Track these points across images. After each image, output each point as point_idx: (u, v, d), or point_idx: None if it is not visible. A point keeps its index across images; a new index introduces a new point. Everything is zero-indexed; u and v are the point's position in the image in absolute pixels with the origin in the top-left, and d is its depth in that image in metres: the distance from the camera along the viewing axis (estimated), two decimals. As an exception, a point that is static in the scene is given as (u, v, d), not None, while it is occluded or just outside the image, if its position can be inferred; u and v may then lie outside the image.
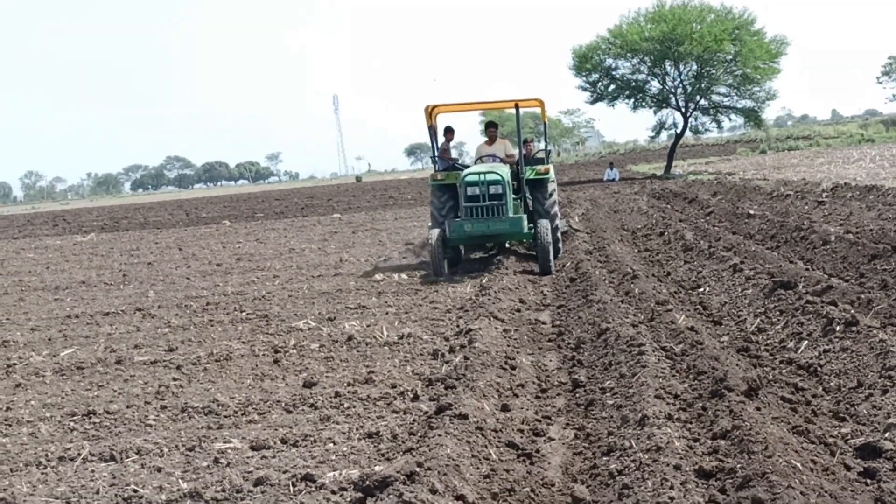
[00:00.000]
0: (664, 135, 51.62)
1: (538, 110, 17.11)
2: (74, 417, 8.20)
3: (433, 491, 5.21)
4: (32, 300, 16.91)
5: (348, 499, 5.57)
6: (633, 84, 46.70)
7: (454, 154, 18.04)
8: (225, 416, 7.86)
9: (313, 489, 5.82)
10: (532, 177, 16.31)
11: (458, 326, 10.46)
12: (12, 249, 30.79)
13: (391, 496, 5.14)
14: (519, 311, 11.47)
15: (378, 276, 15.76)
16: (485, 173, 15.27)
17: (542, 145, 18.21)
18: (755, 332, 9.03)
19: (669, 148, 50.48)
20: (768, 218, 16.90)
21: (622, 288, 11.65)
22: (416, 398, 7.76)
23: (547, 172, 16.31)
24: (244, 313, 13.23)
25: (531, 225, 15.70)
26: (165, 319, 13.30)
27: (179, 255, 23.54)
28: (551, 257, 14.93)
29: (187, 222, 38.27)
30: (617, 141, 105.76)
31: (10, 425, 8.15)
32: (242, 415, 7.89)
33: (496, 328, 10.00)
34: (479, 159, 16.86)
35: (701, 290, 11.62)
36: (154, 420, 7.94)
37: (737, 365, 7.35)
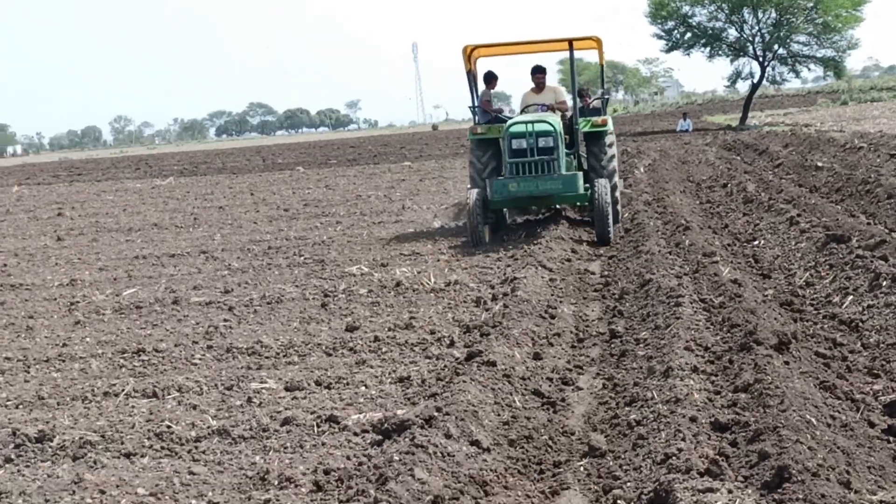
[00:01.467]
0: (744, 85, 50.52)
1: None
2: (125, 355, 8.45)
3: (448, 435, 5.28)
4: (105, 241, 17.38)
5: (368, 440, 5.69)
6: (710, 32, 45.50)
7: (504, 106, 16.22)
8: (266, 357, 8.03)
9: (336, 430, 5.95)
10: (587, 129, 14.13)
11: (504, 275, 10.46)
12: (94, 191, 31.55)
13: (405, 439, 5.23)
14: (569, 260, 11.44)
15: (436, 224, 15.84)
16: (533, 122, 13.20)
17: (599, 93, 15.86)
18: (802, 286, 8.88)
19: (745, 98, 49.37)
20: (836, 170, 16.48)
21: (673, 239, 11.53)
22: (451, 344, 7.83)
23: (605, 124, 14.10)
24: (302, 258, 13.44)
25: (587, 185, 13.65)
26: (227, 262, 13.59)
27: (251, 199, 23.89)
28: (611, 223, 12.95)
29: (263, 168, 38.72)
30: (696, 91, 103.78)
31: (64, 360, 8.45)
32: (284, 356, 8.06)
33: (542, 277, 9.99)
34: (525, 109, 14.58)
35: (756, 242, 11.44)
36: (199, 359, 8.14)
37: (775, 318, 7.24)
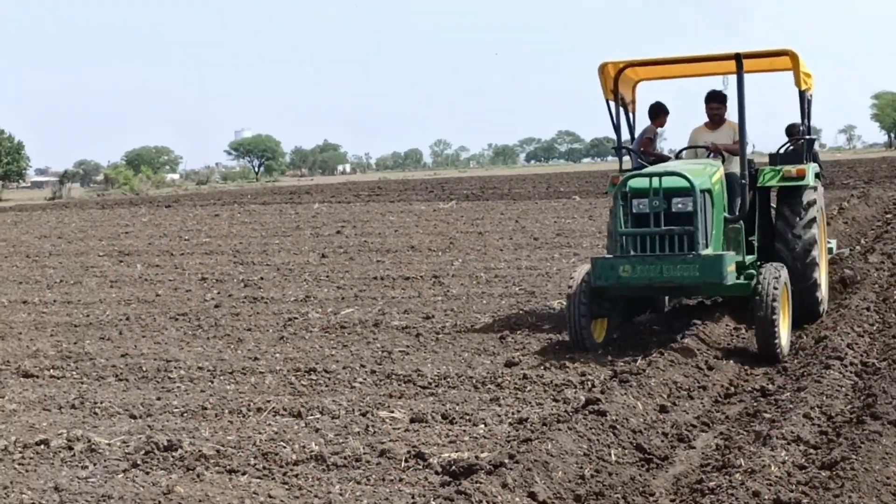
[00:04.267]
0: None
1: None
2: (297, 373, 8.94)
3: (504, 485, 5.19)
4: (360, 260, 18.28)
5: (438, 482, 5.70)
6: None
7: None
8: (418, 385, 8.22)
9: (419, 468, 6.02)
10: (775, 182, 10.13)
11: (700, 320, 9.96)
12: (381, 211, 33.14)
13: (452, 486, 5.22)
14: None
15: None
16: (662, 176, 8.97)
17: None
18: None
19: None
20: None
21: (885, 294, 10.48)
22: (591, 389, 7.66)
23: (801, 176, 9.95)
24: (517, 287, 13.57)
25: (752, 267, 9.48)
26: (448, 288, 13.95)
27: (511, 227, 24.22)
28: (780, 332, 8.52)
29: (543, 195, 39.05)
30: None
31: (245, 374, 9.05)
32: (436, 386, 8.21)
33: (728, 325, 9.52)
34: (680, 153, 10.84)
35: None
36: (358, 383, 8.46)
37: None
